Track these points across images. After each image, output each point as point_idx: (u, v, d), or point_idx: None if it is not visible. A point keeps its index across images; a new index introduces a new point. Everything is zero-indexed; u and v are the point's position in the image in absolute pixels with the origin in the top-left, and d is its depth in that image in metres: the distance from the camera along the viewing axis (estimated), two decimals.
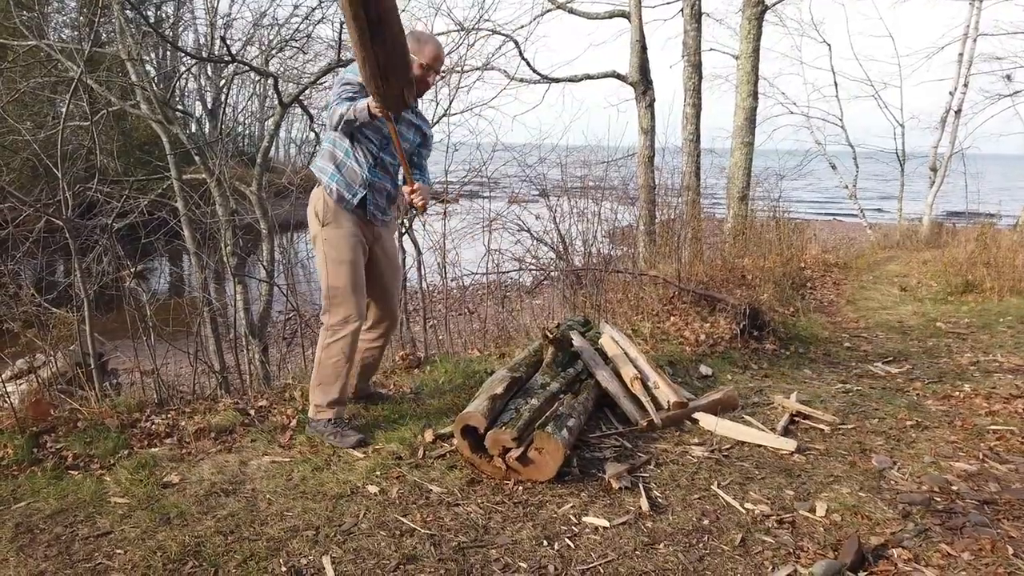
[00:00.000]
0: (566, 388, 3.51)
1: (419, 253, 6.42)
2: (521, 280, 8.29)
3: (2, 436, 3.17)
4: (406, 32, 2.79)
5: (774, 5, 12.37)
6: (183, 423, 3.43)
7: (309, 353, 5.91)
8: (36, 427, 3.26)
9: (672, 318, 5.61)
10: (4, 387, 3.99)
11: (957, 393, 4.30)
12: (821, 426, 3.63)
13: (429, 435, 3.27)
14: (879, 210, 25.08)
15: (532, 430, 2.97)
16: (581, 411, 3.30)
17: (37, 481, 2.89)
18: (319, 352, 3.24)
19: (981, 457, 3.25)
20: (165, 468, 2.99)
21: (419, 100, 3.47)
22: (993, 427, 3.64)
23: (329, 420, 3.25)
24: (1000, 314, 6.68)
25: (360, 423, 3.49)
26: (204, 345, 5.24)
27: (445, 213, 7.37)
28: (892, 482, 2.95)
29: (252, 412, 3.59)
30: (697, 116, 10.45)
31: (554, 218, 7.70)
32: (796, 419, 3.73)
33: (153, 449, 3.18)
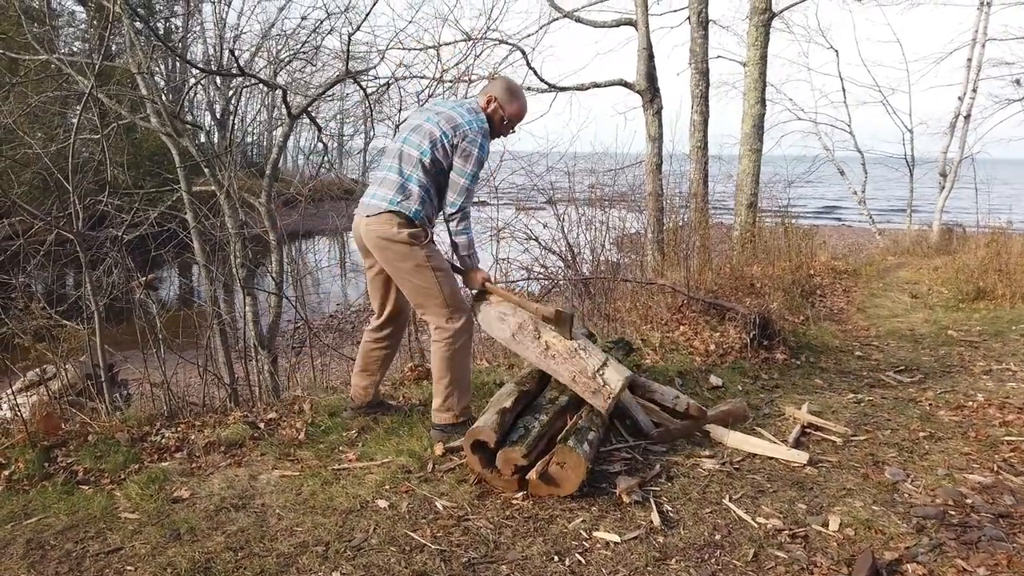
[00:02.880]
0: (577, 401, 3.49)
1: None
2: (530, 289, 8.28)
3: (13, 451, 3.18)
4: (501, 83, 3.43)
5: (781, 12, 12.39)
6: (193, 436, 3.43)
7: (318, 363, 5.94)
8: (47, 441, 3.28)
9: (681, 327, 5.59)
10: (15, 399, 4.01)
11: (970, 403, 4.26)
12: (833, 438, 3.61)
13: (439, 448, 3.26)
14: (889, 215, 24.98)
15: (541, 446, 2.97)
16: (600, 424, 3.28)
17: (48, 496, 2.90)
18: (449, 358, 3.30)
19: (996, 469, 3.21)
20: (175, 483, 2.99)
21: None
22: (1007, 438, 3.60)
23: (467, 421, 3.30)
24: (1012, 321, 6.63)
25: (370, 436, 3.49)
26: (213, 357, 5.25)
27: None
28: (906, 495, 2.92)
29: (262, 425, 3.60)
30: (705, 123, 10.43)
31: (562, 227, 7.69)
32: (808, 431, 3.71)
33: (163, 463, 3.19)
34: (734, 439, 3.48)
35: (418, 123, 3.31)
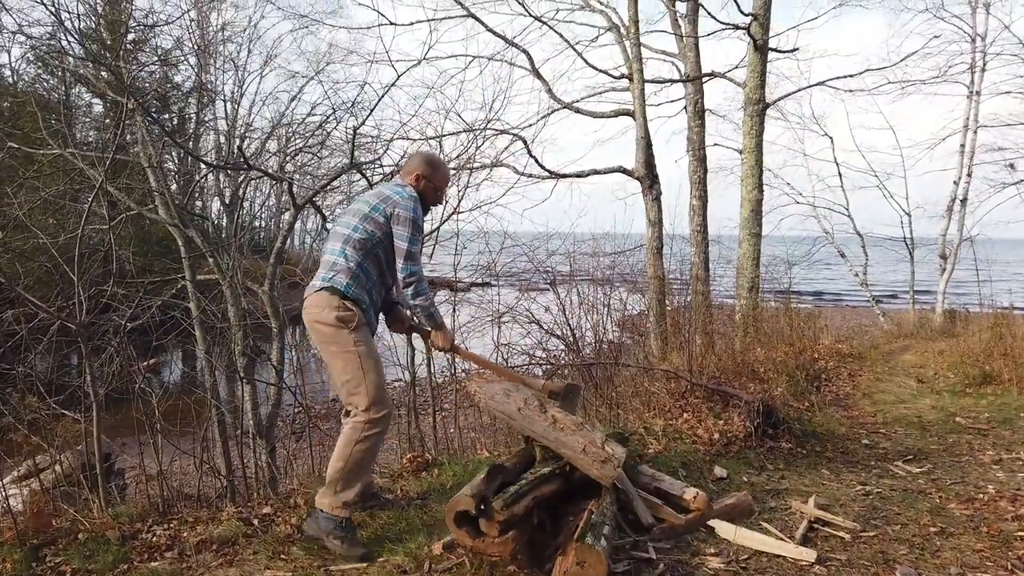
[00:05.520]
0: (559, 470, 3.45)
1: (428, 349, 6.41)
2: (532, 371, 8.23)
3: (2, 549, 3.11)
4: (420, 158, 3.56)
5: (775, 102, 12.76)
6: (185, 534, 3.36)
7: (316, 451, 5.85)
8: (36, 539, 3.21)
9: (685, 415, 5.52)
10: (5, 493, 3.94)
11: (981, 495, 4.16)
12: (842, 533, 3.51)
13: (437, 547, 3.17)
14: (891, 297, 25.05)
15: (524, 503, 2.99)
16: (611, 518, 3.22)
17: None
18: (350, 445, 3.21)
19: (1010, 567, 3.12)
20: None
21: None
22: (1020, 533, 3.50)
23: (342, 522, 3.19)
24: (1021, 408, 6.54)
25: (366, 532, 3.41)
26: (211, 447, 5.19)
27: (455, 309, 7.40)
28: None
29: (256, 521, 3.52)
30: (704, 208, 10.61)
31: (563, 310, 7.72)
32: (815, 525, 3.62)
33: (153, 563, 3.10)
34: (740, 535, 3.39)
35: (352, 207, 3.45)
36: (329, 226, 8.09)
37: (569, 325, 7.68)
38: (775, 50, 11.01)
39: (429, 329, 3.53)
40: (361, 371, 3.22)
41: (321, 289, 3.25)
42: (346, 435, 3.25)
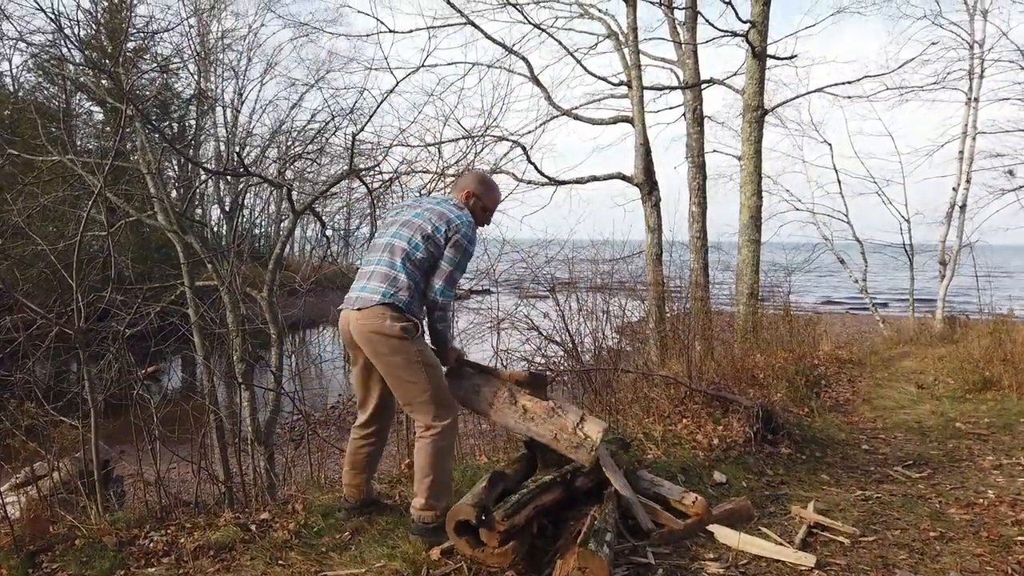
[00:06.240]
0: (560, 478, 3.47)
1: None
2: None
3: None
4: (474, 177, 3.65)
5: (774, 108, 12.80)
6: (182, 540, 3.34)
7: (315, 458, 5.84)
8: (33, 546, 3.19)
9: (684, 420, 5.51)
10: (2, 500, 3.93)
11: (981, 500, 4.15)
12: (841, 538, 3.50)
13: (436, 553, 3.16)
14: (891, 303, 25.05)
15: (525, 513, 3.00)
16: (613, 524, 3.22)
17: None
18: (434, 457, 3.22)
19: (1010, 572, 3.11)
20: None
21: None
22: (1020, 538, 3.49)
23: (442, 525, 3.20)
24: (1021, 413, 6.54)
25: (364, 538, 3.40)
26: (209, 453, 5.18)
27: (453, 314, 7.38)
28: None
29: (253, 527, 3.51)
30: (703, 214, 10.62)
31: (563, 316, 7.71)
32: (815, 530, 3.61)
33: (150, 569, 3.09)
34: (739, 540, 3.38)
35: (407, 219, 3.36)
36: (328, 233, 8.11)
37: (568, 331, 7.68)
38: (773, 57, 11.07)
39: (437, 347, 3.49)
40: (427, 380, 3.22)
41: (380, 304, 3.19)
42: (424, 449, 3.24)
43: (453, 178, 7.89)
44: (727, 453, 4.94)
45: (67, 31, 6.16)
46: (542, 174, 10.19)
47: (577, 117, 11.19)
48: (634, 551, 3.28)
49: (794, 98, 14.03)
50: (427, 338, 3.52)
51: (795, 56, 11.57)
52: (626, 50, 10.80)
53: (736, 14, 9.69)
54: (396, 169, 7.60)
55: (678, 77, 11.77)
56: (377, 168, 7.70)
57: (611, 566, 2.79)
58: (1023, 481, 4.56)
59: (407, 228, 3.31)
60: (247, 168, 5.92)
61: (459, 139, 8.78)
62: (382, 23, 9.29)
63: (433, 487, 3.25)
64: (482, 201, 3.53)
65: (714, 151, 13.99)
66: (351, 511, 3.63)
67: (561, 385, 7.50)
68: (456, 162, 7.95)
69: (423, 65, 7.31)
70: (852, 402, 7.73)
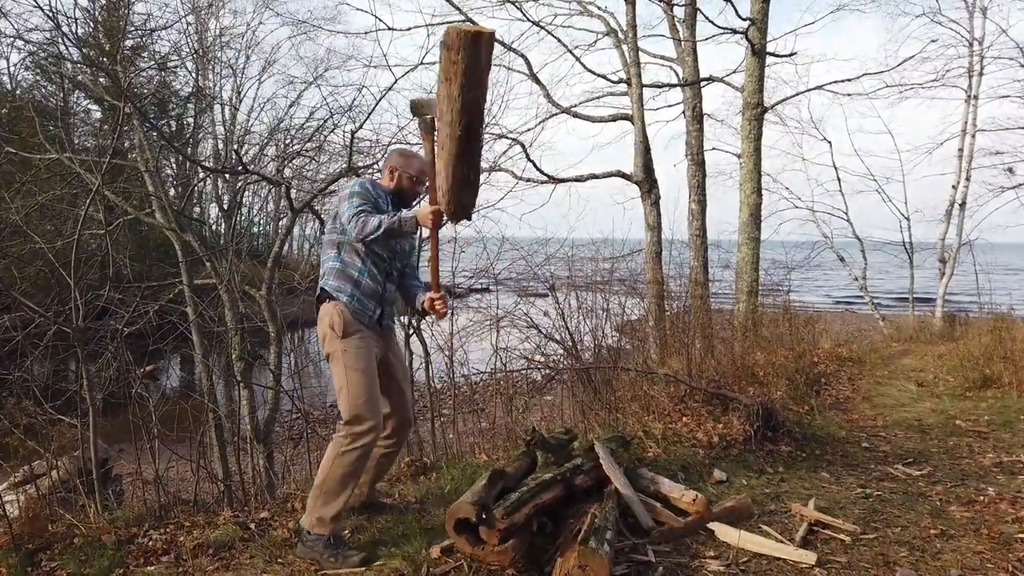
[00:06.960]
0: (560, 477, 3.47)
1: (427, 354, 6.41)
2: (531, 375, 8.21)
3: None
4: (393, 153, 3.46)
5: (773, 106, 12.78)
6: (181, 538, 3.34)
7: (315, 457, 5.83)
8: (32, 544, 3.19)
9: (684, 418, 5.51)
10: (2, 499, 3.92)
11: (981, 498, 4.15)
12: (842, 536, 3.49)
13: (435, 551, 3.15)
14: (891, 301, 25.05)
15: (525, 512, 2.99)
16: (613, 522, 3.21)
17: None
18: (330, 460, 3.15)
19: (1011, 570, 3.10)
20: None
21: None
22: (1020, 535, 3.49)
23: (328, 539, 3.12)
24: (1021, 411, 6.53)
25: (363, 537, 3.39)
26: (208, 452, 5.17)
27: (452, 312, 7.38)
28: None
29: (252, 526, 3.50)
30: (702, 212, 10.62)
31: (562, 314, 7.69)
32: (815, 528, 3.60)
33: (149, 567, 3.09)
34: (739, 538, 3.37)
35: None
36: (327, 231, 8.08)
37: (568, 329, 7.67)
38: (773, 54, 11.04)
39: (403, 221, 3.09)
40: (346, 381, 3.16)
41: (317, 296, 3.31)
42: (329, 450, 3.20)
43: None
44: (727, 451, 4.94)
45: (65, 29, 6.14)
46: (541, 172, 10.19)
47: (576, 115, 11.18)
48: (634, 549, 3.28)
49: (794, 95, 14.01)
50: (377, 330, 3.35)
51: (795, 53, 11.57)
52: (625, 47, 10.78)
53: (736, 11, 9.68)
54: None
55: (678, 75, 11.76)
56: (376, 166, 7.69)
57: (611, 564, 2.78)
58: (1023, 479, 4.55)
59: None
60: (245, 166, 5.90)
61: None
62: (381, 21, 9.28)
63: (319, 493, 3.14)
64: (406, 171, 3.42)
65: (714, 149, 13.95)
66: (351, 510, 3.62)
67: (561, 383, 7.51)
68: None
69: (422, 63, 7.31)
70: (852, 400, 7.72)
